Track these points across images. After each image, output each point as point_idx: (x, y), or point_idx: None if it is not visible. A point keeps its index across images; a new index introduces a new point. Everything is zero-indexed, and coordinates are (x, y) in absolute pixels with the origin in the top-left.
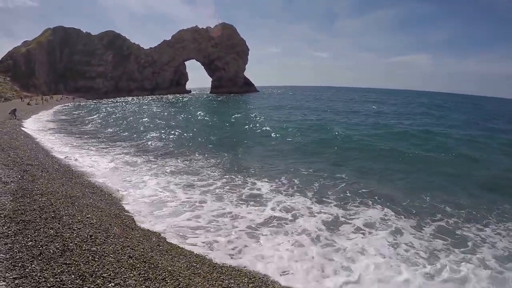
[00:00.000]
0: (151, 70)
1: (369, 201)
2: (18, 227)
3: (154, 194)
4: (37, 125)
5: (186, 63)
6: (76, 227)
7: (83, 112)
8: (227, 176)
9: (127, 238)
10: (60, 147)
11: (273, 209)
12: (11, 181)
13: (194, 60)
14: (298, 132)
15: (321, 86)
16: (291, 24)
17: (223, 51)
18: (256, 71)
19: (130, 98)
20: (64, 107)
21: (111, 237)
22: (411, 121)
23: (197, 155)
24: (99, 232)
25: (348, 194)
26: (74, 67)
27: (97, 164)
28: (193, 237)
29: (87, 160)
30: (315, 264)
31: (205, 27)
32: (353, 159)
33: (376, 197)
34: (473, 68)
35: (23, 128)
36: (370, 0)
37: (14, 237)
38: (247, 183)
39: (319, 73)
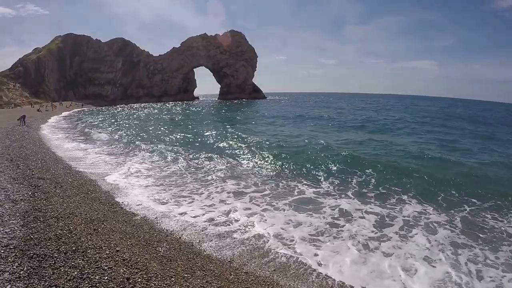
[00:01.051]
0: (160, 77)
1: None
2: (31, 264)
3: (200, 209)
4: (49, 132)
5: (195, 69)
6: (106, 265)
7: (92, 117)
8: (270, 181)
9: (171, 277)
10: (73, 155)
11: (331, 214)
12: (21, 199)
13: (203, 66)
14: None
15: (328, 92)
16: (298, 31)
17: (232, 58)
18: (263, 78)
19: (136, 105)
20: (73, 114)
21: (153, 278)
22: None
23: (231, 160)
24: (137, 273)
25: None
26: (84, 74)
27: (120, 174)
28: (258, 257)
29: (106, 171)
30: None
31: (214, 34)
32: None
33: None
34: (478, 73)
35: (34, 135)
36: (376, 7)
37: (28, 280)
38: (292, 187)
39: (326, 79)
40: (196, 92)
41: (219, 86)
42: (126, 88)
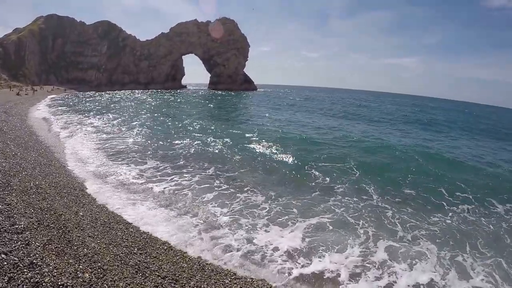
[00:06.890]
0: (147, 63)
1: None
2: None
3: None
4: (41, 122)
5: (184, 57)
6: None
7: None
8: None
9: None
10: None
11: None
12: None
13: (193, 54)
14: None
15: (313, 86)
16: (284, 23)
17: (223, 47)
18: (247, 69)
19: (123, 92)
20: (59, 99)
21: None
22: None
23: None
24: None
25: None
26: (67, 57)
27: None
28: None
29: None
30: None
31: (205, 21)
32: None
33: None
34: (464, 74)
35: (20, 127)
36: (363, 1)
37: None
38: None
39: (310, 73)
40: (183, 81)
41: (209, 75)
42: (111, 73)
